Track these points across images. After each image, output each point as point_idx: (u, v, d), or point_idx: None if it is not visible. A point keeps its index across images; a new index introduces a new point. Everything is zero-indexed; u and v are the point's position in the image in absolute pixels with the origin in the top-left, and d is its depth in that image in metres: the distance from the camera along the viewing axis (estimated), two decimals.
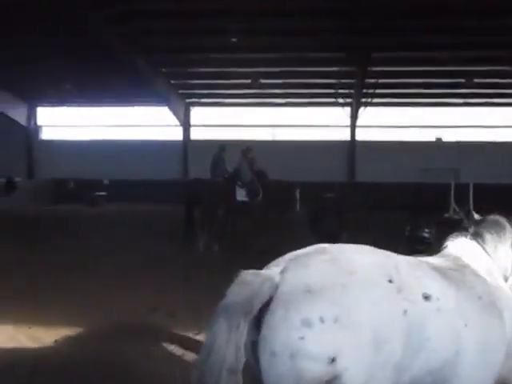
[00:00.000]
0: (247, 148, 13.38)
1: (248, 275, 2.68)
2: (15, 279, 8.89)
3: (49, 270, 9.70)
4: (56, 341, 5.93)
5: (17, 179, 26.25)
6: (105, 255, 10.96)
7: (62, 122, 31.16)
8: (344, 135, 27.82)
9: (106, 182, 28.41)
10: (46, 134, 31.35)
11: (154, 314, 6.74)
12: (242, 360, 2.52)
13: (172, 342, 5.72)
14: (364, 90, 25.51)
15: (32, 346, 5.79)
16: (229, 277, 2.68)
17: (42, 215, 20.96)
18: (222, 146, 13.26)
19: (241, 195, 12.52)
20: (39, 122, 31.18)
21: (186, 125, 29.52)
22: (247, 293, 2.58)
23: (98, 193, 26.48)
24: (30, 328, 6.29)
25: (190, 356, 5.22)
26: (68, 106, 30.40)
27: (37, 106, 30.71)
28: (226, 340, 2.51)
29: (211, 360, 2.52)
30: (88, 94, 27.78)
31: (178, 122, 29.14)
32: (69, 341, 5.97)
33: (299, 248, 2.88)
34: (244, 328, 2.53)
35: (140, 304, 7.13)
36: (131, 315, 6.73)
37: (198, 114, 29.61)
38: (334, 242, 2.98)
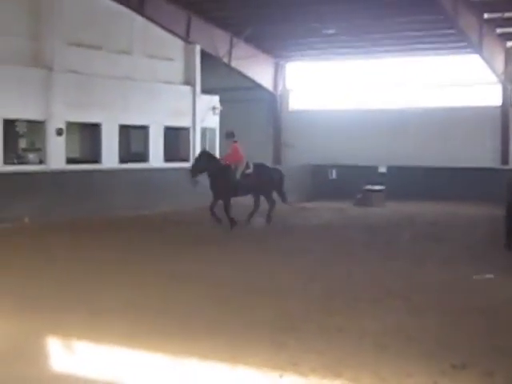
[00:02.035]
0: None
1: None
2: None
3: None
4: None
5: None
6: None
7: (318, 84, 32.74)
8: None
9: (382, 170, 28.92)
10: (297, 103, 33.31)
11: None
12: None
13: None
14: None
15: None
16: None
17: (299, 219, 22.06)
18: None
19: None
20: (288, 85, 33.28)
21: (507, 82, 28.56)
22: None
23: (370, 186, 27.02)
24: (280, 377, 6.52)
25: None
26: (327, 59, 31.85)
27: (286, 61, 32.80)
28: None
29: None
30: (356, 40, 28.63)
31: (494, 78, 28.47)
32: None
33: None
34: None
35: None
36: None
37: None
38: None
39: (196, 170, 18.78)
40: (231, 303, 9.66)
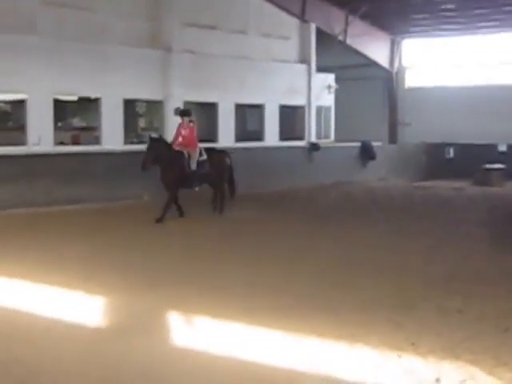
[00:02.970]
0: None
1: None
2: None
3: None
4: None
5: (376, 144, 28.04)
6: None
7: (434, 60, 32.06)
8: None
9: (502, 148, 28.16)
10: (413, 80, 32.73)
11: None
12: None
13: None
14: None
15: None
16: None
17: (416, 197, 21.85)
18: None
19: None
20: (404, 62, 32.75)
21: None
22: None
23: (489, 165, 26.39)
24: (399, 357, 6.46)
25: None
26: (444, 35, 31.13)
27: (402, 38, 32.24)
28: None
29: None
30: (475, 15, 27.89)
31: None
32: None
33: None
34: None
35: None
36: None
37: None
38: None
39: (147, 161, 15.86)
40: (347, 282, 9.68)
